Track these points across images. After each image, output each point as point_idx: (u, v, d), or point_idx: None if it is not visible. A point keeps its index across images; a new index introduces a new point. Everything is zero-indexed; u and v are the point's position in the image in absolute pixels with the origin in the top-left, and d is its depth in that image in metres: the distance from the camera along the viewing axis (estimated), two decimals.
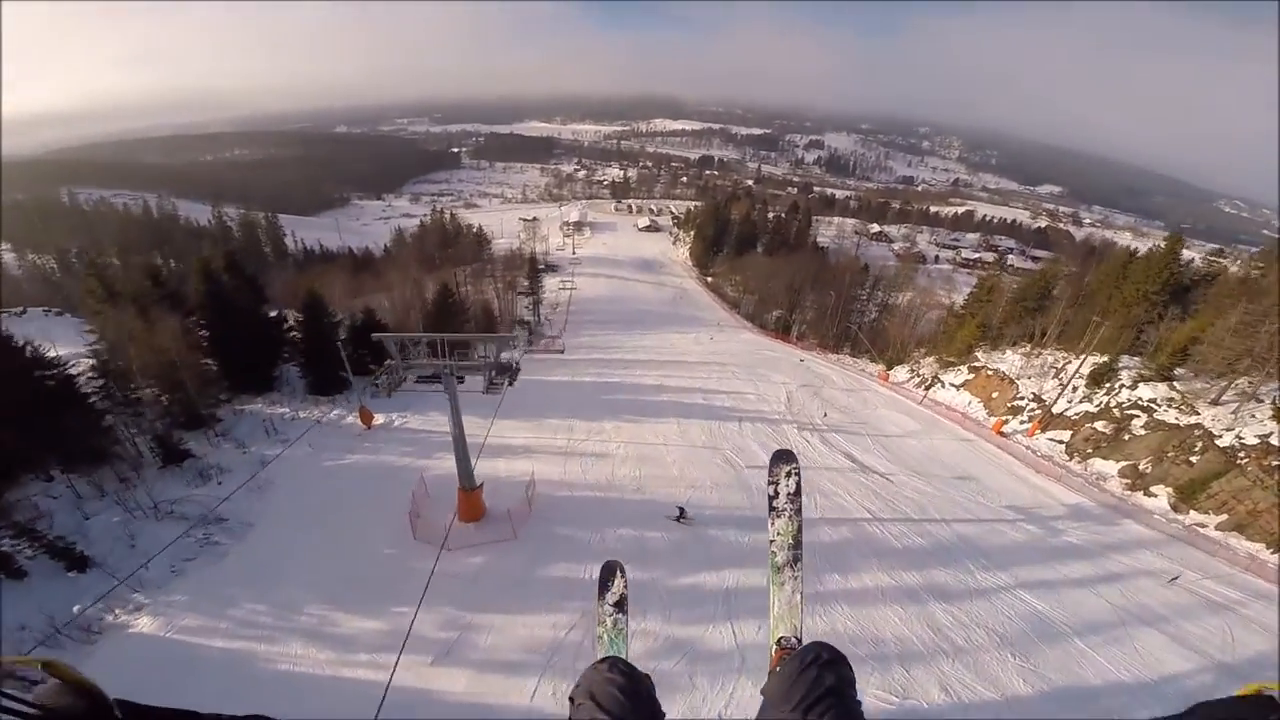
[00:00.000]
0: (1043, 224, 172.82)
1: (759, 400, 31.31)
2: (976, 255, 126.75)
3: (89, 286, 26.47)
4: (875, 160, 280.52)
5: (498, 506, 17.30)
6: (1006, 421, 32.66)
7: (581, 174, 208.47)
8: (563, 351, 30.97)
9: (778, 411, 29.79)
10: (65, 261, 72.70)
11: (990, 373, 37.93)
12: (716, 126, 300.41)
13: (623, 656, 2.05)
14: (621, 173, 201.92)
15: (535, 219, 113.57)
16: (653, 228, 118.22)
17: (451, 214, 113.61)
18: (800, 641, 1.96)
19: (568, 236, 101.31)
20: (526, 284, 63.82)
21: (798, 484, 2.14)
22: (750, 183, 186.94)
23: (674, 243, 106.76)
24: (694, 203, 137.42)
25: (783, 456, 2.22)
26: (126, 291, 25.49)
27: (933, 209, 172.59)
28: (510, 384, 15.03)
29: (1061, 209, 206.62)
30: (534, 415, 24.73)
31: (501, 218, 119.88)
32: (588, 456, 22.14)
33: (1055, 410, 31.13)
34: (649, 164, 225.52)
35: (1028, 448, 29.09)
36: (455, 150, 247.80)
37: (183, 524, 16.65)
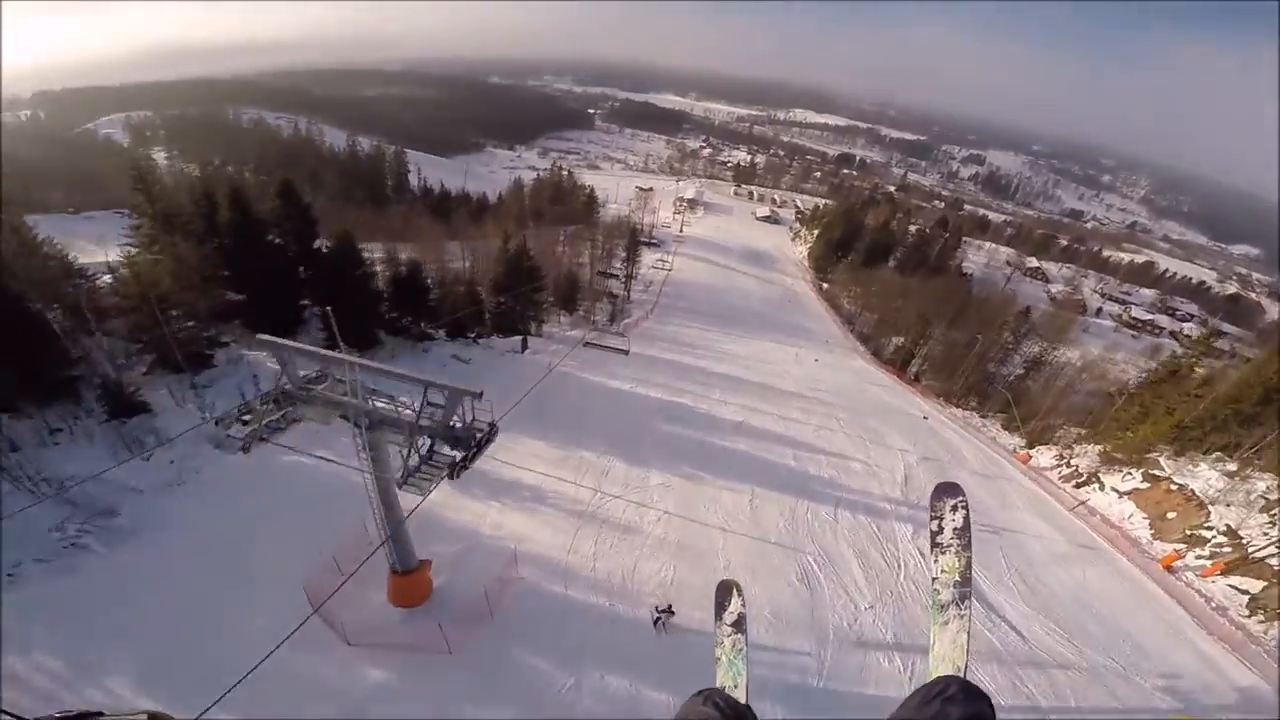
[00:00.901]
0: (1232, 290, 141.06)
1: (867, 473, 23.53)
2: (1150, 316, 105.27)
3: (134, 201, 23.01)
4: (1041, 186, 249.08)
5: (454, 587, 11.66)
6: (1181, 555, 24.15)
7: (706, 151, 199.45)
8: (627, 353, 24.58)
9: (890, 497, 21.99)
10: (205, 171, 77.56)
11: (1174, 488, 28.04)
12: (864, 125, 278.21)
13: (742, 678, 2.09)
14: (749, 157, 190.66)
15: (650, 189, 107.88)
16: (772, 219, 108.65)
17: (569, 172, 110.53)
18: None
19: (677, 213, 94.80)
20: (623, 255, 58.38)
21: (965, 518, 2.01)
22: (892, 189, 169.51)
23: (793, 239, 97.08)
24: (824, 200, 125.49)
25: (948, 489, 2.10)
26: (162, 205, 22.41)
27: (1104, 253, 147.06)
28: (453, 476, 8.99)
29: (1257, 276, 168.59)
30: (568, 437, 18.96)
31: (618, 183, 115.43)
32: (612, 527, 15.93)
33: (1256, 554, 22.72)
34: (780, 152, 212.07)
35: (1200, 592, 21.99)
36: (590, 111, 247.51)
37: (67, 511, 12.61)
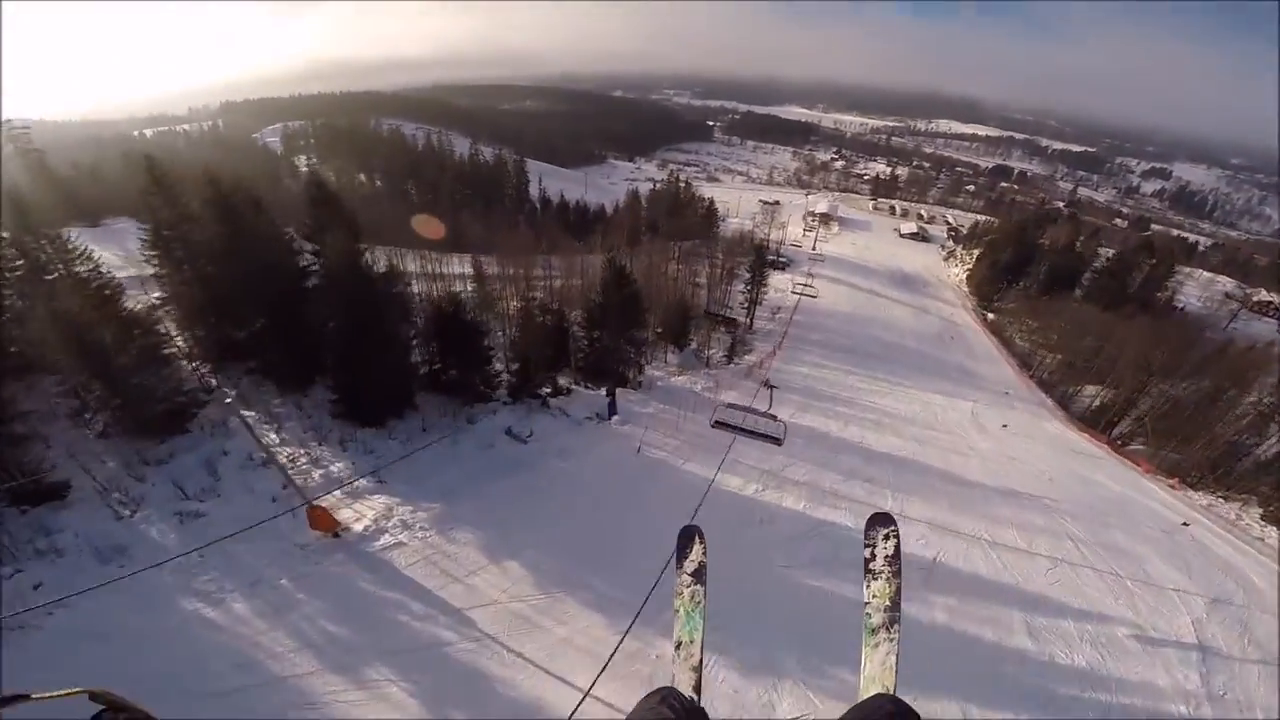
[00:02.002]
0: None
1: (1144, 649, 13.53)
2: None
3: (150, 205, 18.14)
4: (1245, 204, 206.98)
5: None
6: None
7: (839, 164, 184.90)
8: (780, 442, 13.26)
9: (1183, 689, 12.57)
10: (339, 178, 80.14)
11: None
12: (1020, 136, 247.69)
13: (698, 634, 2.06)
14: (889, 169, 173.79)
15: (777, 202, 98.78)
16: (919, 236, 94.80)
17: (687, 182, 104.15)
18: None
19: (809, 230, 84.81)
20: (747, 276, 50.19)
21: (897, 546, 2.01)
22: (1060, 205, 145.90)
23: (946, 259, 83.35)
24: (981, 216, 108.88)
25: (880, 519, 2.10)
26: (165, 214, 17.20)
27: None
28: None
29: None
30: (646, 606, 11.23)
31: (740, 196, 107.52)
32: None
33: None
34: (925, 164, 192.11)
35: None
36: (710, 124, 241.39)
37: None
